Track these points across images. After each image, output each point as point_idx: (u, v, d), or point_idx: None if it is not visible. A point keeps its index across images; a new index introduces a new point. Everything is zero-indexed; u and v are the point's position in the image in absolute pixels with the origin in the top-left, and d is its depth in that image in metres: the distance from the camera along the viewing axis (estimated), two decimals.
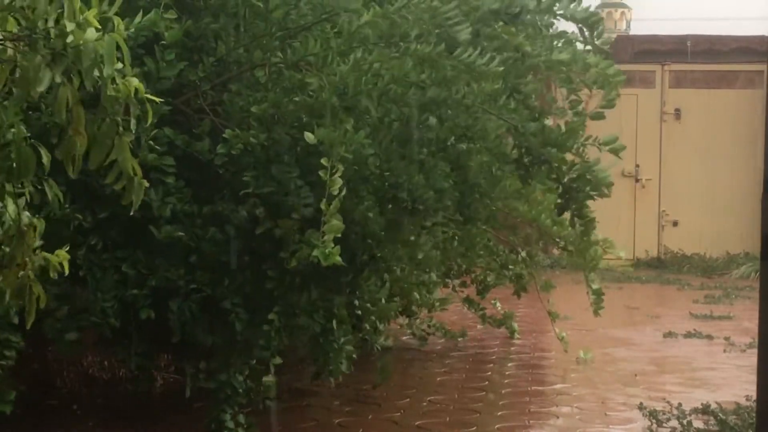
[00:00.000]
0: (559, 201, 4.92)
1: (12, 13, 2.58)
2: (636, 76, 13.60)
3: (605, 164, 4.76)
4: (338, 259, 3.88)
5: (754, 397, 4.08)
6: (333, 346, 5.21)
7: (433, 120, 4.46)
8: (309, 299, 4.92)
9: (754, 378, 3.98)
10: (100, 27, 2.61)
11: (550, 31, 4.60)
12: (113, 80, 2.60)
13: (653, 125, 14.24)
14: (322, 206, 3.91)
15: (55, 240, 4.15)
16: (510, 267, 7.77)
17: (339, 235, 3.93)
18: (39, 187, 2.98)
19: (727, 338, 8.51)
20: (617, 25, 19.31)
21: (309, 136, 4.02)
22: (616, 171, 11.50)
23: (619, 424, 5.84)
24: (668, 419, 5.75)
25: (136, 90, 2.68)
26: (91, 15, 2.58)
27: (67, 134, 2.66)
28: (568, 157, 4.70)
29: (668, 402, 6.10)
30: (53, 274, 3.00)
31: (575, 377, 7.12)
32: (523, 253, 7.54)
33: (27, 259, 2.88)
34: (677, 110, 14.25)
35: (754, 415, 4.98)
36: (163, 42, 4.60)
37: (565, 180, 4.76)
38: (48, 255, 2.98)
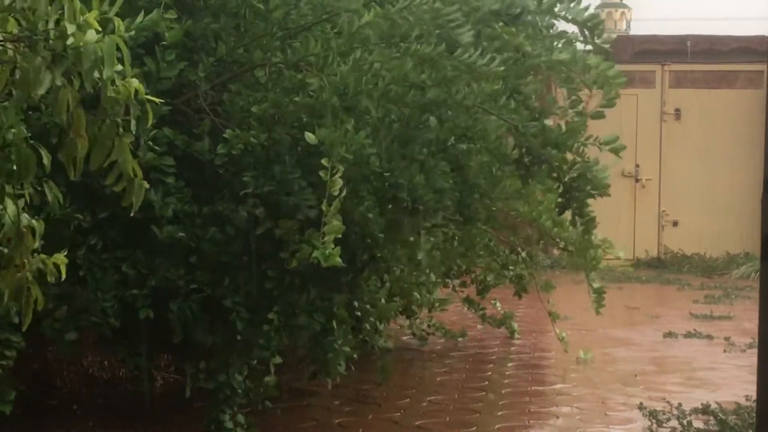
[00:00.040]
0: (559, 200, 4.93)
1: (12, 14, 2.57)
2: (636, 76, 13.60)
3: (605, 164, 4.79)
4: (338, 260, 3.88)
5: (754, 397, 4.08)
6: (333, 346, 5.21)
7: (433, 120, 4.46)
8: (308, 299, 4.92)
9: (754, 378, 3.99)
10: (100, 29, 2.61)
11: (551, 31, 4.60)
12: (113, 82, 2.60)
13: (653, 125, 14.24)
14: (323, 207, 3.91)
15: (55, 240, 4.17)
16: (510, 268, 7.77)
17: (339, 236, 3.94)
18: (39, 188, 2.98)
19: (727, 338, 8.51)
20: (617, 25, 19.28)
21: (309, 137, 4.02)
22: (616, 171, 11.54)
23: (619, 424, 5.84)
24: (668, 419, 5.75)
25: (136, 91, 2.68)
26: (92, 17, 2.58)
27: (68, 137, 2.66)
28: (569, 156, 4.72)
29: (668, 402, 6.11)
30: (51, 278, 2.99)
31: (575, 377, 7.13)
32: (524, 254, 7.54)
33: (26, 260, 2.87)
34: (677, 110, 14.25)
35: (754, 415, 4.98)
36: (163, 42, 4.60)
37: (566, 179, 4.78)
38: (46, 258, 2.97)
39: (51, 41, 2.54)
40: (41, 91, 2.55)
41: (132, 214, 2.94)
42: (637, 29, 19.71)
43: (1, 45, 2.60)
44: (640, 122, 14.02)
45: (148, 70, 4.52)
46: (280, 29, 4.56)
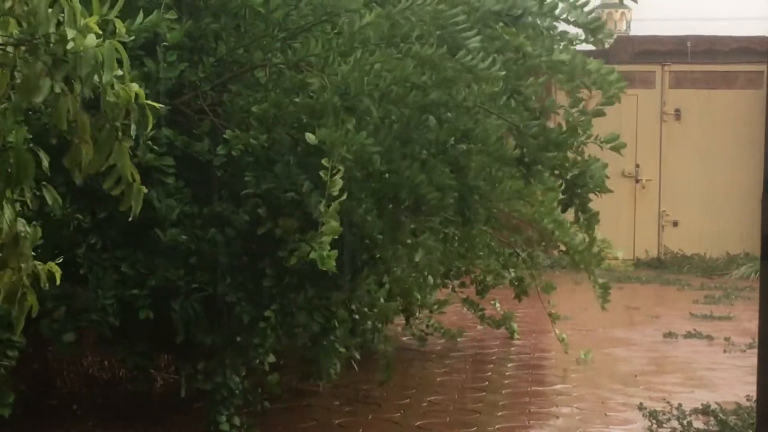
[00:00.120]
0: (562, 197, 4.95)
1: (13, 17, 2.57)
2: (636, 76, 13.60)
3: (604, 162, 4.82)
4: (332, 264, 3.86)
5: (754, 397, 4.08)
6: (334, 345, 5.22)
7: (432, 121, 4.46)
8: (306, 298, 4.92)
9: (754, 378, 3.99)
10: (101, 32, 2.60)
11: (551, 33, 4.60)
12: (113, 86, 2.59)
13: (653, 125, 14.24)
14: (321, 207, 3.90)
15: (55, 240, 4.17)
16: (511, 270, 7.77)
17: (337, 237, 3.93)
18: (38, 193, 2.98)
19: (727, 338, 8.51)
20: (617, 26, 19.30)
21: (310, 137, 4.02)
22: (616, 171, 11.56)
23: (619, 425, 5.84)
24: (668, 419, 5.75)
25: (136, 95, 2.67)
26: (92, 21, 2.58)
27: (72, 143, 2.66)
28: (569, 155, 4.74)
29: (668, 402, 6.11)
30: (45, 284, 2.99)
31: (575, 377, 7.13)
32: (524, 254, 7.54)
33: (22, 265, 2.87)
34: (677, 110, 14.25)
35: (754, 415, 4.98)
36: (165, 43, 4.60)
37: (568, 177, 4.80)
38: (40, 265, 2.97)
39: (52, 45, 2.53)
40: (40, 99, 2.55)
41: (131, 219, 2.94)
42: (637, 29, 19.73)
43: (2, 48, 2.59)
44: (640, 122, 14.02)
45: (148, 71, 4.52)
46: (281, 30, 4.56)
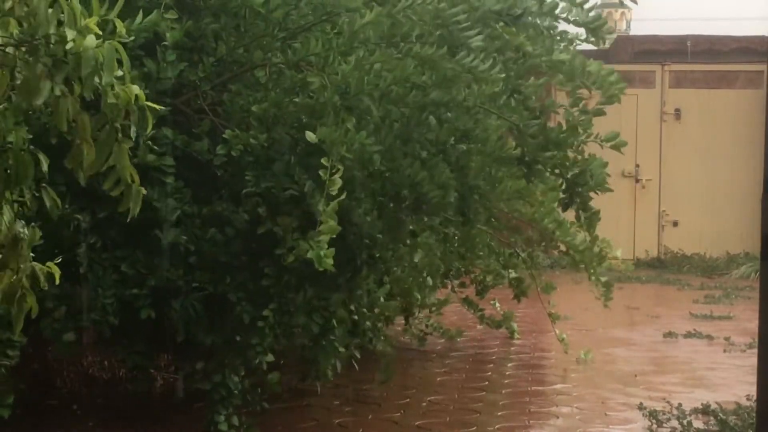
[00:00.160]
0: (562, 196, 4.96)
1: (13, 17, 2.57)
2: (636, 76, 13.60)
3: (605, 162, 4.83)
4: (329, 264, 3.86)
5: (754, 397, 4.08)
6: (333, 345, 5.21)
7: (432, 120, 4.46)
8: (305, 298, 4.92)
9: (754, 378, 3.98)
10: (100, 33, 2.60)
11: (552, 32, 4.60)
12: (113, 87, 2.59)
13: (653, 125, 14.23)
14: (320, 207, 3.90)
15: (55, 240, 4.16)
16: (510, 270, 7.77)
17: (337, 236, 3.93)
18: (37, 194, 2.97)
19: (727, 338, 8.50)
20: (617, 26, 19.28)
21: (310, 136, 4.02)
22: (616, 171, 11.54)
23: (619, 424, 5.84)
24: (668, 419, 5.75)
25: (136, 96, 2.67)
26: (92, 22, 2.57)
27: (74, 143, 2.66)
28: (569, 154, 4.74)
29: (668, 402, 6.10)
30: (44, 285, 2.98)
31: (575, 377, 7.12)
32: (524, 254, 7.54)
33: (21, 266, 2.87)
34: (677, 110, 14.24)
35: (754, 415, 4.98)
36: (165, 43, 4.60)
37: (569, 176, 4.81)
38: (39, 265, 2.96)
39: (52, 45, 2.53)
40: (40, 101, 2.54)
41: (129, 220, 2.94)
42: (637, 29, 19.69)
43: (2, 48, 2.59)
44: (640, 122, 14.01)
45: (147, 71, 4.52)
46: (281, 29, 4.56)
